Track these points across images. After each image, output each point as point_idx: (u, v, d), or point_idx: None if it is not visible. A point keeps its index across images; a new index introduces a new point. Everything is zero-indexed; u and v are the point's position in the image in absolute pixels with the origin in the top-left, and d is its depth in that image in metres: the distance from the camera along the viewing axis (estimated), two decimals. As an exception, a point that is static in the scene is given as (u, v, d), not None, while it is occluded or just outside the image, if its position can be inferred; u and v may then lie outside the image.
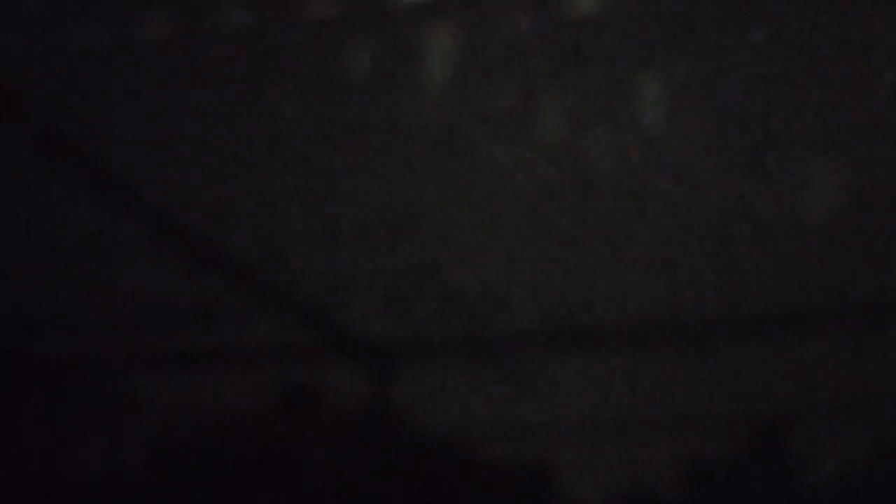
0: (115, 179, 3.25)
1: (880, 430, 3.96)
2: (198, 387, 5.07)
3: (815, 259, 3.37)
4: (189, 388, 5.14)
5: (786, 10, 2.72)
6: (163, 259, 3.87)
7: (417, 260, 3.92)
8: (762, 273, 3.61)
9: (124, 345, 4.90)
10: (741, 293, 3.69)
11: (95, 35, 2.60)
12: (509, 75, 2.94)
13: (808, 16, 2.67)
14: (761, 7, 2.72)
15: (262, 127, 2.95)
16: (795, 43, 2.74)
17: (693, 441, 4.14)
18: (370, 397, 5.03)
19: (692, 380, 4.03)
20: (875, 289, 3.39)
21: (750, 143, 2.95)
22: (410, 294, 4.33)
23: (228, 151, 3.29)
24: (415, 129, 2.98)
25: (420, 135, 3.07)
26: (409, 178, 3.30)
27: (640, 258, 3.80)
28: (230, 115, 2.94)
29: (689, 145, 2.90)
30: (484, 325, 4.35)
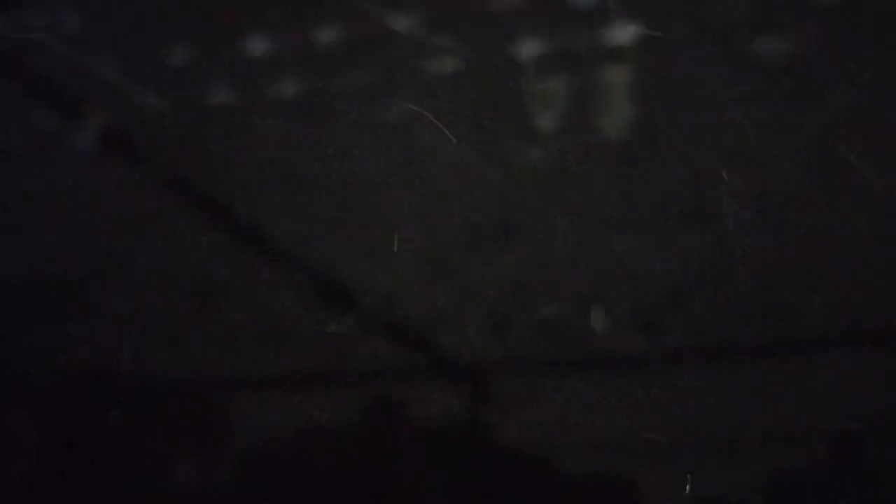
0: (237, 222, 3.32)
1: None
2: (294, 406, 5.15)
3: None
4: (285, 408, 5.22)
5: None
6: (270, 284, 3.93)
7: (516, 279, 3.98)
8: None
9: (224, 365, 4.98)
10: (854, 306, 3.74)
11: (228, 92, 2.65)
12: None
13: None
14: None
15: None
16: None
17: (783, 456, 4.19)
18: (464, 416, 5.09)
19: (790, 393, 4.08)
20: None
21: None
22: (508, 314, 4.39)
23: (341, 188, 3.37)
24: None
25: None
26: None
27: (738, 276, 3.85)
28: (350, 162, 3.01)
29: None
30: (579, 345, 4.41)
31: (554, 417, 5.14)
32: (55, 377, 4.93)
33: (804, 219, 3.25)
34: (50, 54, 2.64)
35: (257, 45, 2.60)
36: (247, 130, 2.86)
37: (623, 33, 2.62)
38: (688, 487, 4.43)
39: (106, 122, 2.82)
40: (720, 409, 4.51)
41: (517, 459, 5.31)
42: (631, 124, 2.73)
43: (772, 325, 3.85)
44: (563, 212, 3.54)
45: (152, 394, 5.73)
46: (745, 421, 4.29)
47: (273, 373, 5.15)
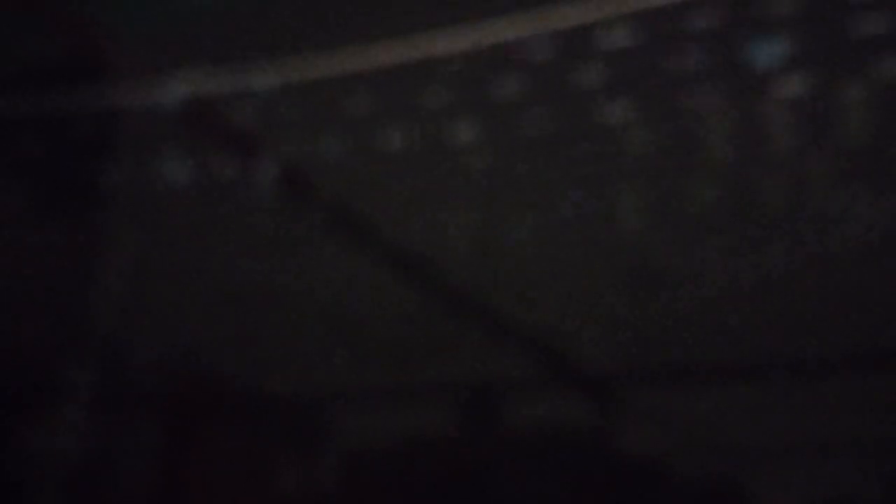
0: (391, 248, 3.51)
1: None
2: (425, 418, 5.37)
3: None
4: (410, 419, 5.45)
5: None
6: (401, 301, 4.13)
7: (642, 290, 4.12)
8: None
9: (348, 380, 5.21)
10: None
11: (407, 137, 2.81)
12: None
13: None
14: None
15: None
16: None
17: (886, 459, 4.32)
18: (589, 425, 5.27)
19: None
20: None
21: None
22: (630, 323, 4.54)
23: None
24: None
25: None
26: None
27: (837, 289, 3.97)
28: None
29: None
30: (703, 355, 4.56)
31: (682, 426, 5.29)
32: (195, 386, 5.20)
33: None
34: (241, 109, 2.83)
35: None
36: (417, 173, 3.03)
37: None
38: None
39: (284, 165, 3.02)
40: (838, 415, 4.64)
41: (641, 466, 5.45)
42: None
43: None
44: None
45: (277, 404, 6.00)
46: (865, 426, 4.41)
47: (412, 383, 5.37)
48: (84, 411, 4.51)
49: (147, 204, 3.43)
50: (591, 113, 2.63)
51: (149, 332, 4.50)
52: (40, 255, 3.65)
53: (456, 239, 3.42)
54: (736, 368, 4.73)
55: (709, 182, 2.93)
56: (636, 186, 3.21)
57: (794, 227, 3.71)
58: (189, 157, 3.08)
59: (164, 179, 3.17)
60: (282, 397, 5.76)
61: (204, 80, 2.69)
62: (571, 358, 5.05)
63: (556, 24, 2.60)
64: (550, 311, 4.18)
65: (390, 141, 2.92)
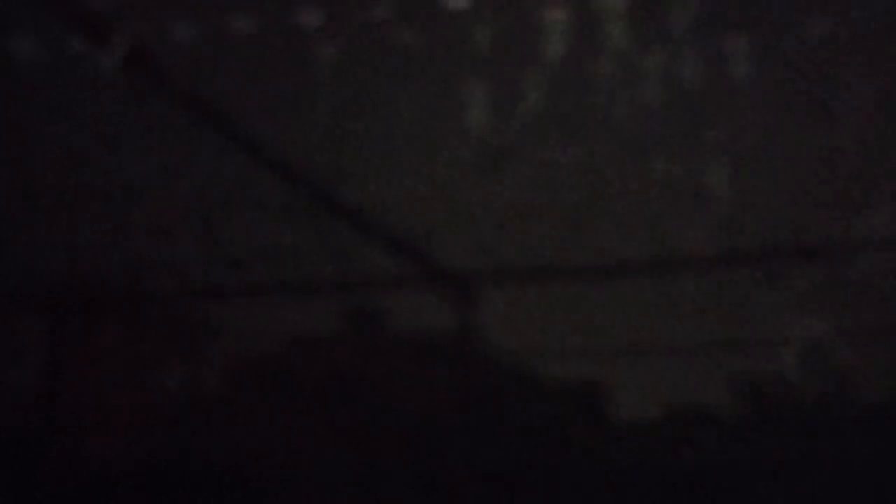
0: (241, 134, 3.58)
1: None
2: (290, 314, 5.69)
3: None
4: (283, 316, 5.77)
5: None
6: (273, 204, 4.29)
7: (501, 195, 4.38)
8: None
9: (228, 279, 5.37)
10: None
11: (256, 23, 2.89)
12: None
13: None
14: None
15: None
16: None
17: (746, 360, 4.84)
18: (448, 322, 5.62)
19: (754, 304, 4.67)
20: None
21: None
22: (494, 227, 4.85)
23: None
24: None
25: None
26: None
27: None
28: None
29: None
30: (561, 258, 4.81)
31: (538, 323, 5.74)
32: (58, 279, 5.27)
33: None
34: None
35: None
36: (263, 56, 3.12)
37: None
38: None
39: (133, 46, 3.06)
40: (692, 316, 5.08)
41: (502, 363, 5.93)
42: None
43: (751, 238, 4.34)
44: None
45: (148, 300, 6.15)
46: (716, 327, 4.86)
47: (267, 283, 5.55)
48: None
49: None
50: (437, 1, 2.74)
51: (18, 231, 4.55)
52: None
53: (310, 128, 3.52)
54: (591, 268, 4.96)
55: (548, 78, 3.09)
56: (483, 77, 3.37)
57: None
58: (44, 37, 3.11)
59: (16, 59, 3.19)
60: (160, 296, 5.83)
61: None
62: (433, 255, 5.23)
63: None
64: (405, 204, 4.36)
65: (241, 26, 2.99)
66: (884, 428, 13.99)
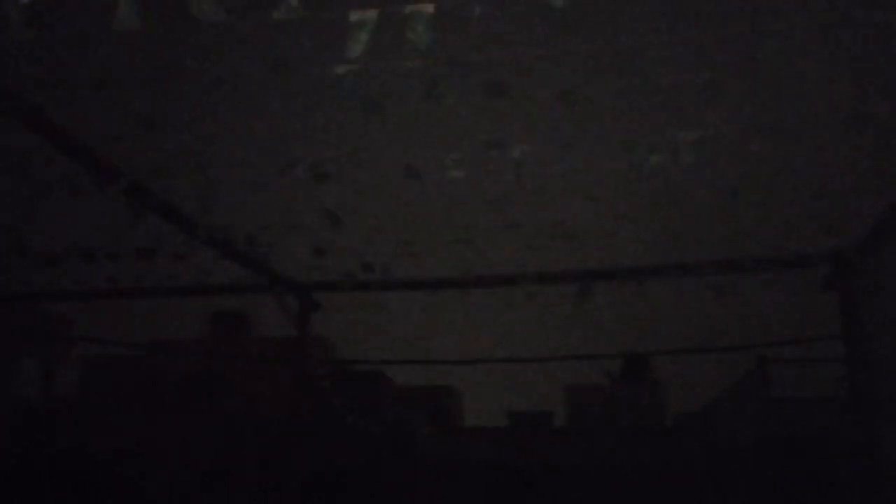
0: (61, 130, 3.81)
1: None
2: (139, 317, 6.04)
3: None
4: (134, 320, 6.11)
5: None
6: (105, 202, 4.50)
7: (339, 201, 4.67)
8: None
9: (69, 278, 5.57)
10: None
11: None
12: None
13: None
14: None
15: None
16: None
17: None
18: (293, 327, 5.91)
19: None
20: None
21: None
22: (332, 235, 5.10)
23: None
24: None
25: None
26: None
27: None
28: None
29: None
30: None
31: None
32: None
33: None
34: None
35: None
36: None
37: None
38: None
39: None
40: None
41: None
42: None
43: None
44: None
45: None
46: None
47: (122, 286, 5.78)
48: None
49: None
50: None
51: None
52: None
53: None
54: (436, 280, 5.35)
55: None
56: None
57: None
58: None
59: None
60: (9, 295, 5.97)
61: None
62: (275, 266, 5.55)
63: None
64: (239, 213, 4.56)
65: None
66: (699, 437, 15.08)
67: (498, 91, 3.49)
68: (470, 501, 14.66)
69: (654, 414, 17.78)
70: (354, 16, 3.12)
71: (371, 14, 3.14)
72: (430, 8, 3.07)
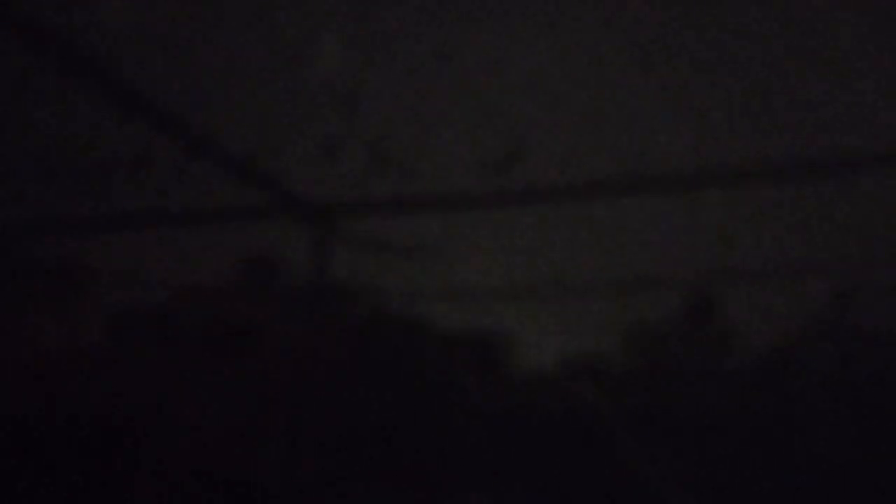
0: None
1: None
2: (145, 248, 5.16)
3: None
4: (138, 251, 5.24)
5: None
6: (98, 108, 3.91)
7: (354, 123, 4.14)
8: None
9: (67, 206, 4.87)
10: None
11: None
12: None
13: None
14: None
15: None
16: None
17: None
18: (309, 253, 5.14)
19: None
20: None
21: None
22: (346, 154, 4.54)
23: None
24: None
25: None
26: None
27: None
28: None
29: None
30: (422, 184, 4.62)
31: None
32: None
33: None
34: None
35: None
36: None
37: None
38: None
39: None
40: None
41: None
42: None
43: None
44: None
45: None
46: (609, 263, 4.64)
47: (133, 213, 5.08)
48: None
49: None
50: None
51: None
52: None
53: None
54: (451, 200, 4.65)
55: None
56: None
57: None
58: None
59: None
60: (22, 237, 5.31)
61: None
62: (290, 187, 4.85)
63: None
64: (255, 131, 4.04)
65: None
66: (771, 379, 14.24)
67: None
68: (526, 454, 14.07)
69: (722, 355, 16.99)
70: None
71: None
72: None
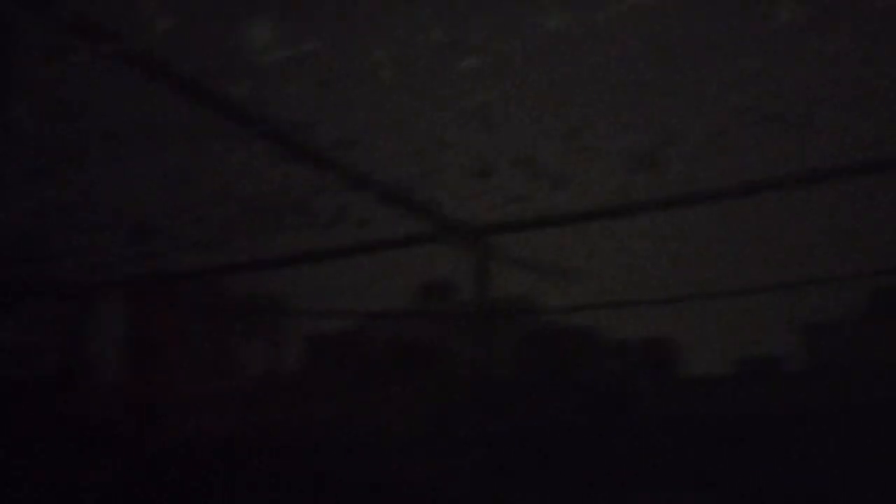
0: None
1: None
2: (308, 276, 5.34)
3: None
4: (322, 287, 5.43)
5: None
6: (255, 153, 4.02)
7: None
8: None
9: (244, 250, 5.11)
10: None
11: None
12: None
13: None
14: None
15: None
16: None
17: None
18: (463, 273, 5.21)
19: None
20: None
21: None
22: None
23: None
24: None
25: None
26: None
27: None
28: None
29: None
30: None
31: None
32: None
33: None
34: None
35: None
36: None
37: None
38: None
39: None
40: None
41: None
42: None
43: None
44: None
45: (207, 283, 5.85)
46: None
47: (288, 247, 5.26)
48: None
49: None
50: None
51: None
52: None
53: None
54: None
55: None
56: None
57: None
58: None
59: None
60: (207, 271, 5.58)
61: None
62: (447, 212, 4.96)
63: None
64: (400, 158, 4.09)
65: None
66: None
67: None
68: (704, 459, 13.74)
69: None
70: None
71: None
72: None
